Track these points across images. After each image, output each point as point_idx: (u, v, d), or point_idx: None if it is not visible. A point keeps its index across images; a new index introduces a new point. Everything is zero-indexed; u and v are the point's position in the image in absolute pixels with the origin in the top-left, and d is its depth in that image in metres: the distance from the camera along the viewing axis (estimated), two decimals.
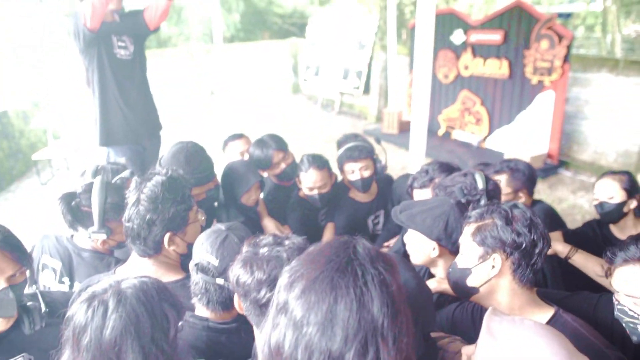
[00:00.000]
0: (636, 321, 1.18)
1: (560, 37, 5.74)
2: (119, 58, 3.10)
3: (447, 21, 7.24)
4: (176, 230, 1.54)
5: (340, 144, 2.90)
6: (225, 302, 1.32)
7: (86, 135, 5.96)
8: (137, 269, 1.53)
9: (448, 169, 2.13)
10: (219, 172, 2.37)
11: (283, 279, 0.79)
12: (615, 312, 1.24)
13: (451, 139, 7.64)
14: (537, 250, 1.25)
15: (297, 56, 12.37)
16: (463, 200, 1.72)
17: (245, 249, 1.14)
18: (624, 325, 1.23)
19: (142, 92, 3.27)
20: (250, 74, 12.84)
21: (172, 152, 2.14)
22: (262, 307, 1.05)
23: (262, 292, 1.04)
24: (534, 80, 6.17)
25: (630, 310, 1.19)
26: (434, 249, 1.60)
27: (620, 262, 1.20)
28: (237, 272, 1.09)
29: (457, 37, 7.18)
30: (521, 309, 1.26)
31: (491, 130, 7.01)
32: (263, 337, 0.79)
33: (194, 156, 2.12)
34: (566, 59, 5.75)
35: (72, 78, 6.61)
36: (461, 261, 1.36)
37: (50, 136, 6.57)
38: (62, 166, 6.67)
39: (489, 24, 6.71)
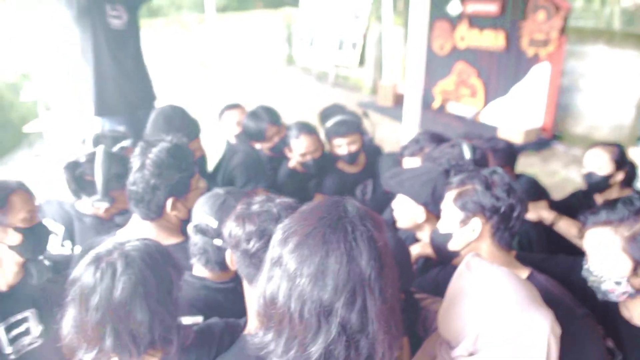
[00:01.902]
0: (600, 280, 1.25)
1: (557, 9, 5.69)
2: (113, 27, 3.05)
3: None
4: (179, 196, 1.59)
5: (323, 116, 2.91)
6: (222, 262, 1.37)
7: (79, 106, 5.89)
8: (138, 231, 1.58)
9: (438, 139, 2.16)
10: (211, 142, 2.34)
11: (277, 235, 0.84)
12: (582, 272, 1.31)
13: (446, 112, 7.63)
14: (515, 214, 1.31)
15: (291, 27, 12.16)
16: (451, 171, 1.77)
17: (239, 206, 1.19)
18: (589, 284, 1.30)
19: (136, 62, 3.24)
20: (243, 45, 12.64)
21: (152, 119, 2.19)
22: (251, 257, 1.10)
23: (252, 243, 1.09)
24: (530, 52, 6.14)
25: (594, 270, 1.26)
26: (421, 213, 1.66)
27: (591, 225, 1.26)
28: (230, 226, 1.14)
29: (454, 7, 7.09)
30: None
31: (486, 102, 7.01)
32: (258, 290, 0.85)
33: (172, 117, 2.17)
34: (563, 30, 5.71)
35: (62, 48, 6.48)
36: (443, 226, 1.42)
37: (42, 108, 6.48)
38: (54, 138, 6.61)
39: None
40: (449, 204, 1.39)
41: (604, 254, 1.22)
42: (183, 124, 2.17)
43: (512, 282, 0.96)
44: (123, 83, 3.14)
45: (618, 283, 1.21)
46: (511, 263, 1.35)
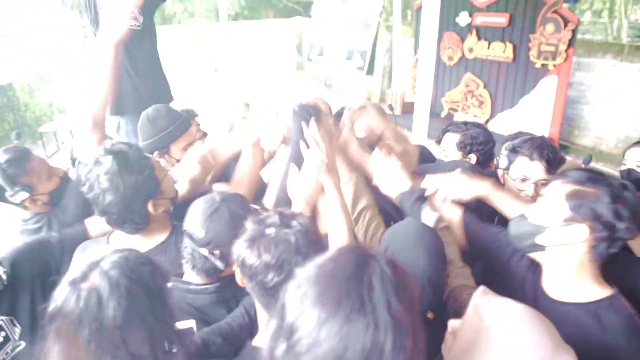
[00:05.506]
0: None
1: (566, 22, 5.71)
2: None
3: (453, 2, 7.18)
4: (153, 195, 1.53)
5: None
6: (208, 270, 1.36)
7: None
8: (130, 236, 1.57)
9: (481, 127, 2.51)
10: None
11: (291, 297, 0.75)
12: None
13: (453, 122, 7.64)
14: (625, 236, 1.19)
15: (301, 35, 12.29)
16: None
17: (250, 226, 1.10)
18: None
19: (152, 63, 3.24)
20: (254, 53, 12.77)
21: (139, 125, 2.24)
22: (269, 290, 1.03)
23: (270, 276, 1.02)
24: (538, 64, 6.17)
25: None
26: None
27: None
28: (243, 253, 1.05)
29: (463, 19, 7.16)
30: (582, 282, 1.24)
31: (493, 113, 7.02)
32: (265, 346, 0.76)
33: (156, 117, 2.18)
34: (571, 43, 5.74)
35: (77, 50, 6.60)
36: (537, 216, 1.28)
37: (56, 109, 6.59)
38: (67, 139, 6.72)
39: (494, 6, 6.66)
40: (558, 197, 1.24)
41: None
42: (168, 122, 2.18)
43: (529, 327, 0.88)
44: (139, 83, 3.12)
45: None
46: (597, 278, 1.26)
